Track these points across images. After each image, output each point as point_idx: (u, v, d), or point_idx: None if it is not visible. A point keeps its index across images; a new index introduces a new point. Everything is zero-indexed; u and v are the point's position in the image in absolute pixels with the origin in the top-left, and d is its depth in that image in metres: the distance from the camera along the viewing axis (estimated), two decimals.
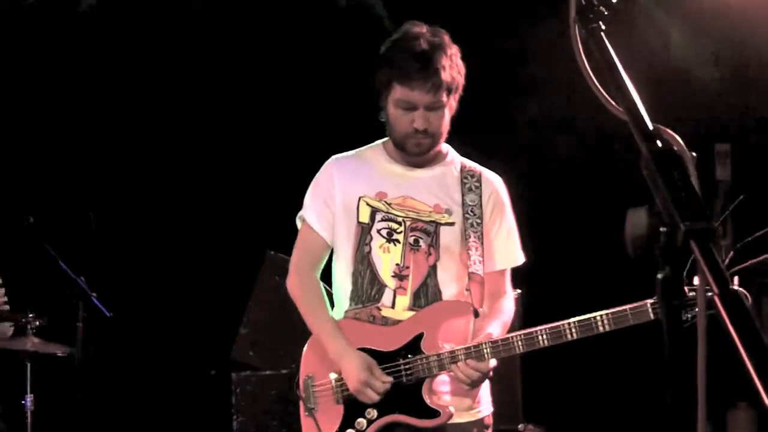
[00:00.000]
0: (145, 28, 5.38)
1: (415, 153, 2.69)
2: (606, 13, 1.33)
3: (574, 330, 2.49)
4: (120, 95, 5.42)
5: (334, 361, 2.67)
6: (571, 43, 1.30)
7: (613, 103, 1.25)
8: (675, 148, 1.12)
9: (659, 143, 1.13)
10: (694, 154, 1.14)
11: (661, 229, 1.07)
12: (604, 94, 1.27)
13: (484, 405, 2.76)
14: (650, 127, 1.16)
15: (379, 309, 2.67)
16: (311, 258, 2.80)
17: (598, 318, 2.47)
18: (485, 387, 2.77)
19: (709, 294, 1.00)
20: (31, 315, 4.40)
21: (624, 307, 2.47)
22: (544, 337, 2.52)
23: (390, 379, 2.60)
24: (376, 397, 2.59)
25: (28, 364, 4.41)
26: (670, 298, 1.05)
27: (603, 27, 1.32)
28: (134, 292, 5.23)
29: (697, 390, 1.08)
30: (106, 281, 4.60)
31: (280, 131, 5.42)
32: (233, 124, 5.51)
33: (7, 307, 4.74)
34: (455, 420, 2.65)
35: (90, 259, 4.40)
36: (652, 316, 2.43)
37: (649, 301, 2.44)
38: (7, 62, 5.26)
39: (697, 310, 1.11)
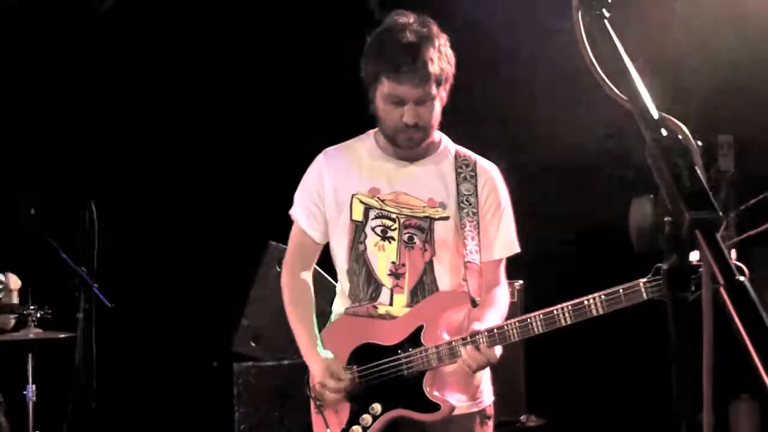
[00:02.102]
0: (146, 21, 5.37)
1: (407, 147, 2.66)
2: (609, 0, 1.31)
3: (567, 315, 2.45)
4: (122, 88, 5.41)
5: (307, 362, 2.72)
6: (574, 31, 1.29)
7: (617, 91, 1.23)
8: (680, 137, 1.11)
9: (664, 132, 1.12)
10: (699, 143, 1.13)
11: (666, 218, 1.05)
12: (608, 82, 1.25)
13: (486, 395, 2.74)
14: (655, 116, 1.15)
15: (375, 308, 2.66)
16: (302, 257, 2.81)
17: (591, 301, 2.42)
18: (486, 377, 2.76)
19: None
20: (32, 306, 4.40)
21: (616, 288, 2.41)
22: (538, 323, 2.48)
23: (346, 383, 2.61)
24: (331, 397, 2.63)
25: (30, 355, 4.41)
26: (676, 289, 1.03)
27: (606, 14, 1.30)
28: (136, 283, 5.23)
29: (701, 380, 1.07)
30: (108, 272, 4.60)
31: (280, 122, 5.41)
32: (234, 115, 5.50)
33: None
34: (457, 411, 2.64)
35: (91, 250, 4.39)
36: (645, 296, 2.36)
37: (642, 280, 2.37)
38: (12, 56, 5.26)
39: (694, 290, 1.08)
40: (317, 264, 2.88)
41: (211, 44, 5.41)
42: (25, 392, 4.40)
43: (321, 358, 2.66)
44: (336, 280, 2.83)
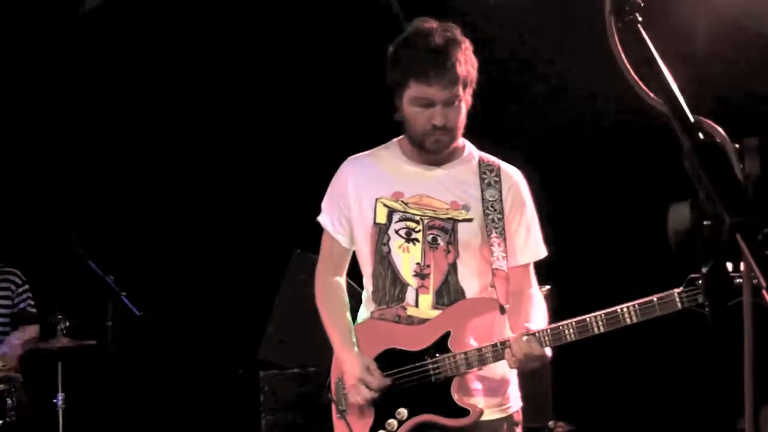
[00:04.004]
0: (166, 31, 5.41)
1: (435, 150, 2.66)
2: (642, 4, 1.31)
3: (600, 323, 2.44)
4: (152, 98, 5.45)
5: (338, 361, 2.69)
6: (607, 36, 1.28)
7: (653, 95, 1.23)
8: (717, 140, 1.10)
9: (701, 135, 1.11)
10: (737, 145, 1.12)
11: (705, 222, 1.05)
12: (643, 86, 1.25)
13: (514, 401, 2.72)
14: (692, 119, 1.14)
15: (404, 308, 2.66)
16: (332, 263, 2.82)
17: (625, 310, 2.42)
18: (514, 383, 2.74)
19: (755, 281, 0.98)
20: (60, 316, 4.44)
21: (651, 298, 2.40)
22: (571, 331, 2.48)
23: (387, 381, 2.60)
24: (368, 395, 2.59)
25: (59, 364, 4.45)
26: (715, 294, 1.03)
27: (639, 19, 1.30)
28: (163, 291, 5.26)
29: (735, 384, 1.06)
30: (136, 280, 4.63)
31: (306, 130, 5.43)
32: (260, 124, 5.53)
33: (32, 304, 4.79)
34: (484, 417, 2.63)
35: (119, 258, 4.43)
36: (679, 306, 2.36)
37: (677, 290, 2.37)
38: (30, 74, 5.32)
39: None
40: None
41: (238, 54, 5.44)
42: (55, 400, 4.44)
43: (358, 356, 2.65)
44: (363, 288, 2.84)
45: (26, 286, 4.84)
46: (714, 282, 1.05)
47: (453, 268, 2.64)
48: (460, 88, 2.58)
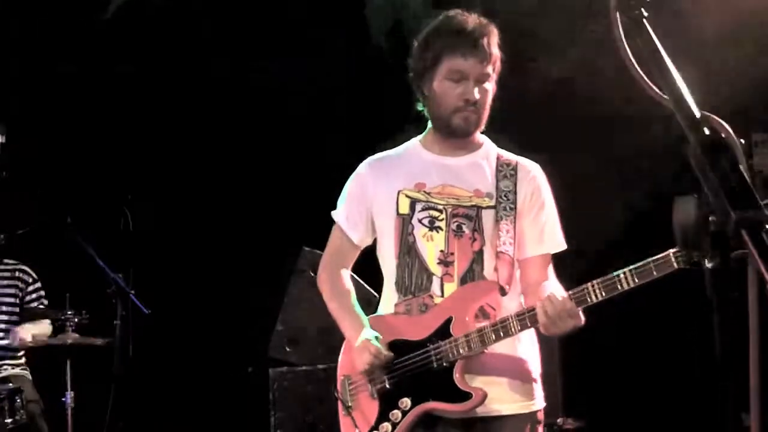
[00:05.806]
0: (186, 30, 5.42)
1: (461, 129, 2.67)
2: None
3: (598, 290, 2.41)
4: (157, 97, 5.46)
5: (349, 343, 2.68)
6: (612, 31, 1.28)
7: (658, 91, 1.22)
8: (723, 135, 1.10)
9: (707, 131, 1.11)
10: (742, 141, 1.12)
11: (711, 218, 1.04)
12: (648, 82, 1.25)
13: (538, 400, 2.69)
14: (697, 114, 1.14)
15: (431, 297, 2.64)
16: (339, 258, 2.83)
17: (621, 275, 2.38)
18: (539, 382, 2.72)
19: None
20: (70, 312, 4.45)
21: (647, 261, 2.36)
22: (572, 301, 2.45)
23: (383, 353, 2.57)
24: (374, 350, 2.57)
25: (68, 361, 4.46)
26: (720, 289, 1.02)
27: (645, 14, 1.30)
28: (172, 289, 5.27)
29: (739, 380, 1.06)
30: (145, 279, 4.64)
31: (315, 127, 5.43)
32: (269, 122, 5.54)
33: (45, 303, 4.80)
34: (508, 412, 2.60)
35: (128, 257, 4.44)
36: (675, 265, 2.31)
37: (672, 250, 2.33)
38: (47, 68, 5.34)
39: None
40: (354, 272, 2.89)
41: (250, 55, 5.46)
42: (63, 399, 4.46)
43: (362, 337, 2.63)
44: (376, 290, 2.84)
45: (38, 284, 4.86)
46: (720, 278, 1.04)
47: (479, 256, 2.63)
48: (491, 68, 2.64)
